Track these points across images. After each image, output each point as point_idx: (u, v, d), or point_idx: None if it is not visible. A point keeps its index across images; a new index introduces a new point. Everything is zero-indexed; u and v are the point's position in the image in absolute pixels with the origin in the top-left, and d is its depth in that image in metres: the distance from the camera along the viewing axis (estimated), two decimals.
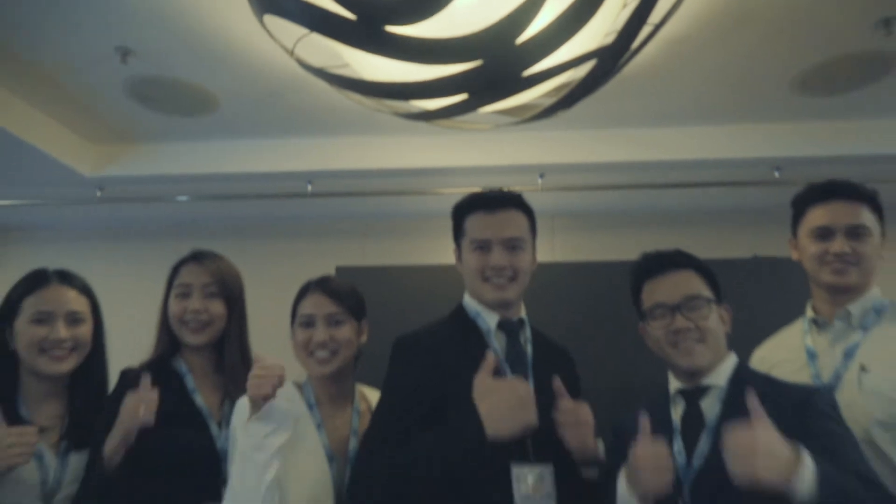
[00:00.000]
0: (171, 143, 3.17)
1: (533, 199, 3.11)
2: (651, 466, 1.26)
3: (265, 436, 1.34)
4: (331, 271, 2.76)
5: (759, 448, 1.13)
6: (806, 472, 1.11)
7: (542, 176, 3.07)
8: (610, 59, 1.68)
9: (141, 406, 1.32)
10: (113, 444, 1.33)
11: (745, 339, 1.78)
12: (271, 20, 1.63)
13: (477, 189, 3.08)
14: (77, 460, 1.43)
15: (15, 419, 1.35)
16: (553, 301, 2.76)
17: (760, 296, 2.68)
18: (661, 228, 3.45)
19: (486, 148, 3.00)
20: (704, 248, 3.13)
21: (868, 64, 2.49)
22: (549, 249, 3.50)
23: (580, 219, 3.57)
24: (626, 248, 3.05)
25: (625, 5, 1.67)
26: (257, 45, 2.31)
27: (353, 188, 3.20)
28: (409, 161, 3.05)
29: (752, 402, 1.21)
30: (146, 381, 1.38)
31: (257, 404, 1.36)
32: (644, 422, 1.32)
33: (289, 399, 1.47)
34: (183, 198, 3.34)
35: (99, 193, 3.31)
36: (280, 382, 1.38)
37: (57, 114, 2.90)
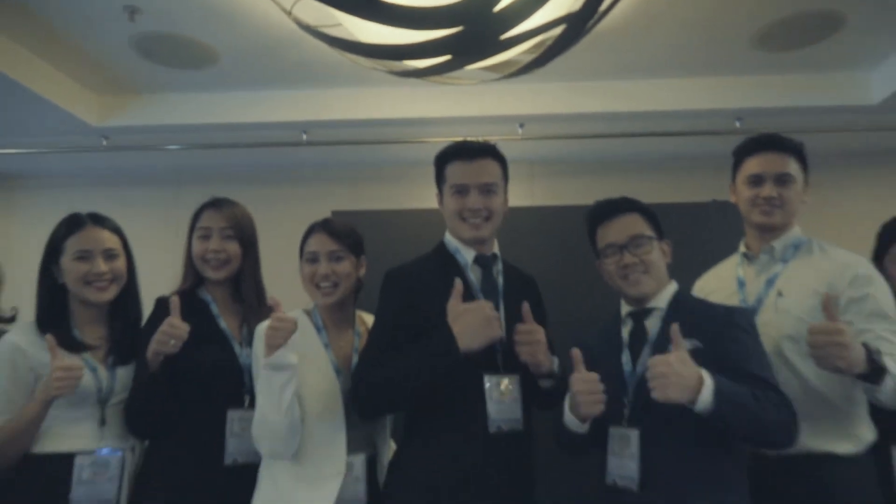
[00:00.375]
0: (174, 94, 3.35)
1: (513, 147, 3.36)
2: (582, 391, 1.54)
3: (277, 377, 1.60)
4: (326, 215, 2.96)
5: (671, 373, 1.41)
6: (706, 391, 1.40)
7: (521, 126, 3.30)
8: (579, 22, 1.89)
9: (174, 327, 1.58)
10: (151, 353, 1.60)
11: (704, 271, 2.05)
12: None
13: (461, 138, 3.31)
14: (123, 373, 1.69)
15: (70, 341, 1.61)
16: (533, 242, 3.01)
17: (718, 235, 2.95)
18: (632, 174, 3.70)
19: (469, 100, 3.21)
20: (670, 192, 3.46)
21: (822, 21, 2.70)
22: (529, 194, 3.75)
23: (558, 165, 3.80)
24: (600, 193, 3.30)
25: None
26: (257, 3, 2.49)
27: (346, 137, 3.42)
28: (397, 112, 3.25)
29: (675, 334, 1.49)
30: (175, 301, 1.63)
31: (272, 349, 1.62)
32: (576, 354, 1.59)
33: (300, 327, 1.71)
34: (176, 146, 3.52)
35: (104, 142, 3.50)
36: (290, 335, 1.62)
37: (65, 67, 3.07)
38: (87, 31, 2.74)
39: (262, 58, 2.96)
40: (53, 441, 1.56)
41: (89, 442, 1.59)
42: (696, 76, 3.15)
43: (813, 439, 1.61)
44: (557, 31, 1.95)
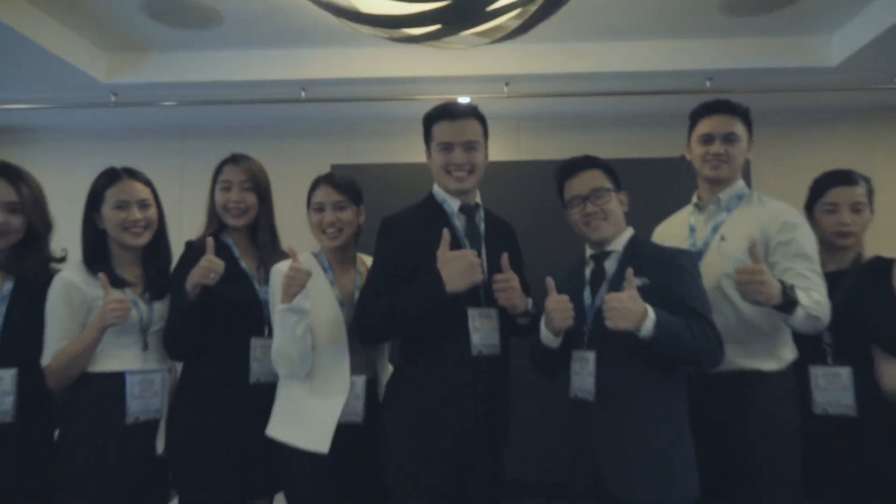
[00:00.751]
0: (180, 53, 3.54)
1: (500, 105, 3.60)
2: (555, 309, 1.84)
3: (294, 318, 1.87)
4: (326, 168, 3.22)
5: (622, 307, 1.70)
6: (648, 322, 1.69)
7: (507, 84, 3.52)
8: (548, 8, 2.11)
9: (211, 263, 1.85)
10: (191, 285, 1.88)
11: None
12: None
13: (451, 96, 3.53)
14: (159, 306, 1.96)
15: (115, 278, 1.87)
16: (519, 194, 3.26)
17: (687, 187, 3.21)
18: (611, 130, 3.94)
19: (458, 60, 3.42)
20: (645, 147, 3.70)
21: None
22: (515, 149, 4.00)
23: (542, 121, 4.03)
24: (582, 148, 3.54)
25: None
26: None
27: (342, 94, 3.62)
28: (391, 71, 3.46)
29: (628, 275, 1.77)
30: (211, 241, 1.90)
31: (290, 293, 1.88)
32: (550, 282, 1.88)
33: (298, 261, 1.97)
34: (181, 103, 3.72)
35: (113, 98, 3.70)
36: (305, 284, 1.88)
37: (76, 25, 3.25)
38: None
39: (264, 19, 3.16)
40: (106, 362, 1.85)
41: (135, 363, 1.87)
42: (670, 39, 3.37)
43: (744, 359, 1.92)
44: (538, 2, 2.18)
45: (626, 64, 3.43)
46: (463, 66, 3.44)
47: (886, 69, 3.37)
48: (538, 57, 3.42)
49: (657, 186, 3.11)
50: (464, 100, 3.59)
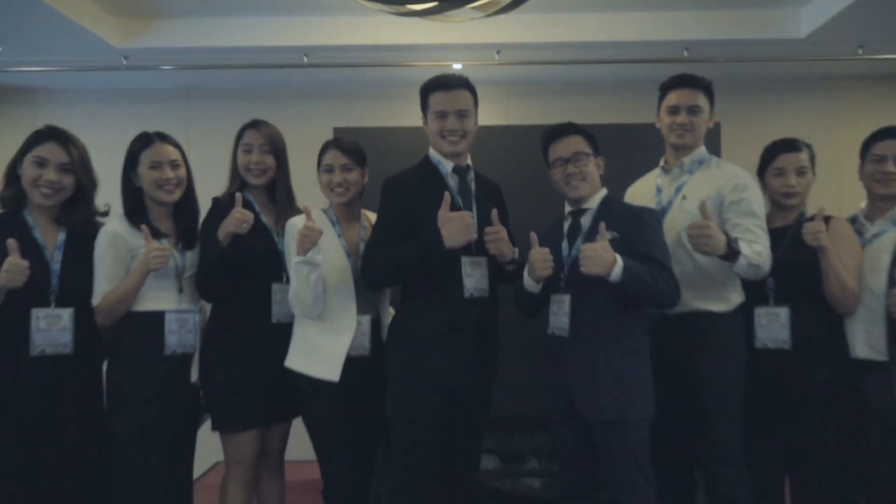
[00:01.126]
0: (188, 19, 3.75)
1: (491, 72, 3.83)
2: (537, 260, 2.12)
3: (308, 269, 2.14)
4: (327, 131, 3.47)
5: (595, 256, 1.99)
6: (617, 269, 1.98)
7: (498, 52, 3.75)
8: None
9: (241, 214, 2.12)
10: (223, 234, 2.14)
11: None
12: None
13: (446, 63, 3.76)
14: (190, 255, 2.22)
15: (154, 230, 2.14)
16: (509, 158, 3.49)
17: (663, 151, 3.49)
18: (596, 96, 4.19)
19: (453, 29, 3.62)
20: (627, 113, 3.95)
21: None
22: (505, 114, 4.24)
23: (531, 87, 4.27)
24: (569, 113, 3.81)
25: None
26: None
27: (343, 60, 3.85)
28: (390, 38, 3.69)
29: (601, 229, 2.05)
30: (239, 196, 2.17)
31: (304, 248, 2.14)
32: (533, 237, 2.16)
33: (312, 218, 2.23)
34: (179, 67, 3.93)
35: (124, 62, 3.91)
36: (318, 240, 2.14)
37: None
38: None
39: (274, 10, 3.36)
40: (147, 303, 2.12)
41: (172, 304, 2.15)
42: (651, 10, 3.60)
43: (698, 302, 2.23)
44: None
45: (609, 34, 3.67)
46: (457, 35, 3.65)
47: (851, 41, 3.63)
48: (528, 27, 3.65)
49: (637, 149, 3.37)
50: (457, 66, 3.84)
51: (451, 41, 3.68)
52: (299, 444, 2.41)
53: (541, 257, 2.13)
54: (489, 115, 4.15)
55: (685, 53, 3.69)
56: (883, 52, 3.70)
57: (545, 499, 3.27)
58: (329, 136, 3.11)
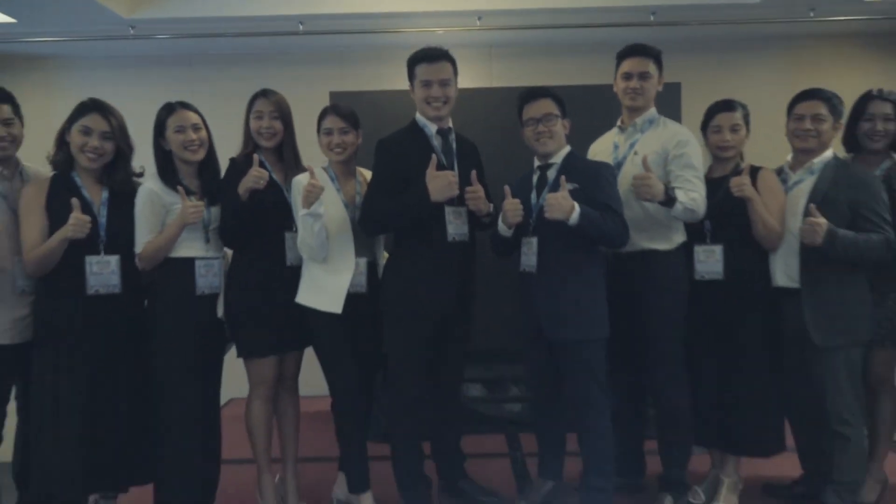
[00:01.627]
0: None
1: (474, 35, 4.14)
2: (509, 210, 2.51)
3: (312, 220, 2.50)
4: (323, 94, 3.79)
5: (556, 203, 2.37)
6: (575, 214, 2.36)
7: (479, 18, 4.06)
8: None
9: (259, 172, 2.48)
10: (244, 189, 2.50)
11: None
12: None
13: (432, 29, 4.06)
14: (214, 210, 2.58)
15: (185, 188, 2.50)
16: (491, 118, 3.79)
17: None
18: (574, 58, 4.49)
19: None
20: (602, 74, 4.27)
21: None
22: (488, 76, 4.56)
23: (512, 49, 4.58)
24: (548, 75, 4.17)
25: None
26: None
27: (336, 27, 4.14)
28: (381, 7, 3.99)
29: (562, 181, 2.43)
30: (256, 157, 2.54)
31: (308, 202, 2.50)
32: (507, 189, 2.54)
33: (316, 177, 2.59)
34: (168, 36, 4.22)
35: (132, 31, 4.19)
36: (320, 195, 2.49)
37: None
38: None
39: None
40: (180, 251, 2.49)
41: (201, 252, 2.53)
42: None
43: (646, 242, 2.63)
44: None
45: (583, 1, 3.97)
46: (442, 2, 3.95)
47: (803, 4, 3.95)
48: None
49: (609, 108, 3.73)
50: (440, 32, 4.15)
51: (436, 8, 3.98)
52: (311, 380, 2.85)
53: (512, 207, 2.52)
54: (473, 76, 4.48)
55: (652, 17, 4.01)
56: (833, 15, 4.03)
57: (524, 421, 3.74)
58: (325, 99, 3.48)
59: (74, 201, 2.31)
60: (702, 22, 4.05)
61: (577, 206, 2.40)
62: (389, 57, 4.40)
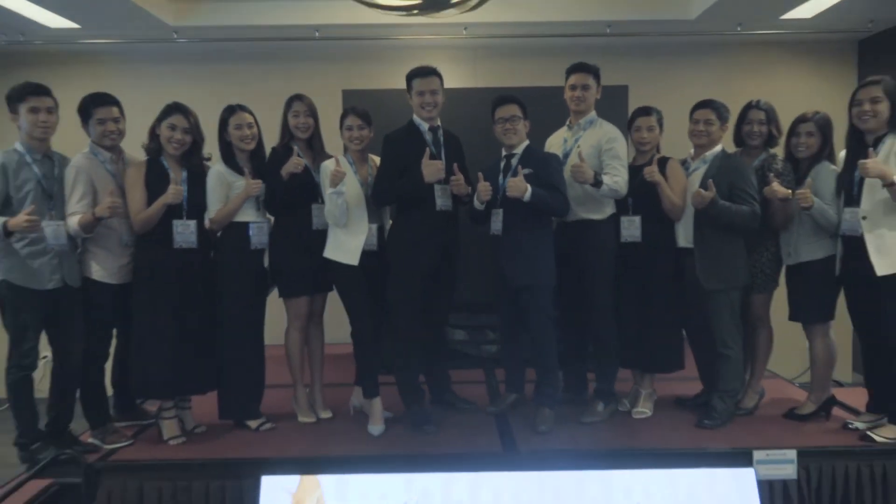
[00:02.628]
0: (225, 3, 4.85)
1: (460, 42, 5.01)
2: (482, 190, 3.39)
3: (337, 196, 3.37)
4: (336, 91, 4.64)
5: (514, 185, 3.25)
6: (528, 193, 3.25)
7: (465, 28, 4.91)
8: None
9: (297, 160, 3.36)
10: (286, 172, 3.36)
11: None
12: None
13: (426, 37, 4.90)
14: (262, 186, 3.46)
15: (241, 171, 3.37)
16: (473, 114, 4.60)
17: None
18: (546, 61, 5.34)
19: None
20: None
21: None
22: (472, 76, 5.42)
23: (493, 53, 5.43)
24: (525, 75, 5.02)
25: None
26: None
27: (345, 34, 4.98)
28: (383, 19, 4.80)
29: (519, 168, 3.32)
30: (295, 148, 3.41)
31: (334, 183, 3.36)
32: (480, 175, 3.43)
33: (341, 164, 3.46)
34: (196, 40, 5.05)
35: (175, 36, 5.03)
36: (343, 178, 3.36)
37: None
38: None
39: None
40: (239, 217, 3.37)
41: (254, 217, 3.40)
42: None
43: (584, 213, 3.52)
44: None
45: (553, 15, 4.84)
46: (434, 15, 4.78)
47: (732, 19, 4.81)
48: (488, 9, 4.77)
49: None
50: (433, 39, 4.99)
51: (430, 21, 4.80)
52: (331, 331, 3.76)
53: (484, 189, 3.41)
54: (460, 76, 5.33)
55: (608, 30, 4.87)
56: (755, 29, 4.90)
57: (498, 359, 4.67)
58: (338, 95, 4.35)
59: (174, 178, 3.20)
60: (647, 34, 4.92)
61: (529, 187, 3.29)
62: (391, 59, 5.26)
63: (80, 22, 4.85)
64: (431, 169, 3.36)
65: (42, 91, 3.08)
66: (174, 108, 3.29)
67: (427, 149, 3.42)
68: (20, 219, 2.90)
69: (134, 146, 3.51)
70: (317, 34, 4.96)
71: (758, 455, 3.09)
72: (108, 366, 3.45)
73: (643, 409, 3.64)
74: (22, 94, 3.05)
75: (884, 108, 3.13)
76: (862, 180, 3.15)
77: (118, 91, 3.44)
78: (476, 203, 3.50)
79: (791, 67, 5.35)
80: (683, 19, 4.78)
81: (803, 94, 5.14)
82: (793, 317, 3.52)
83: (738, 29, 4.87)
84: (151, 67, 5.47)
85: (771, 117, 3.49)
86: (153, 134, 3.31)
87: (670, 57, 5.35)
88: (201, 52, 5.41)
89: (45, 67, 5.18)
